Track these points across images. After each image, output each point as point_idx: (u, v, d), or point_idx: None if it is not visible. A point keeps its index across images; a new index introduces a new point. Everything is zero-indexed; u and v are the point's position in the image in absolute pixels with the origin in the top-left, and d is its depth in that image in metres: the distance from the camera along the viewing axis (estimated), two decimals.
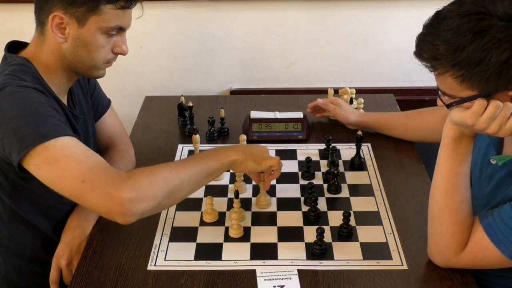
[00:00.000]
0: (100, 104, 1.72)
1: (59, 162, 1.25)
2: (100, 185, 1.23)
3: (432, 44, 1.17)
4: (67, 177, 1.25)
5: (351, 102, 1.98)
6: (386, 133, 1.85)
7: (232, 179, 1.67)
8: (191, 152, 1.80)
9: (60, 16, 1.36)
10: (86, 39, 1.39)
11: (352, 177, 1.69)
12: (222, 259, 1.39)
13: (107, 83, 1.81)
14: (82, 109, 1.60)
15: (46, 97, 1.38)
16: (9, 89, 1.32)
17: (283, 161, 1.74)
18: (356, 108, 1.99)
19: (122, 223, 1.27)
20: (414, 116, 1.80)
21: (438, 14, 1.19)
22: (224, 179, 1.68)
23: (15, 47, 1.48)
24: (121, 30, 1.44)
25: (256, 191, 1.61)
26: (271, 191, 1.61)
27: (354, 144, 1.75)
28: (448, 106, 1.23)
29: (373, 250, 1.40)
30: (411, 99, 2.32)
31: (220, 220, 1.52)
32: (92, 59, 1.42)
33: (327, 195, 1.61)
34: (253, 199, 1.59)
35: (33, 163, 1.27)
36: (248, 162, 1.44)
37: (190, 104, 1.92)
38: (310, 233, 1.45)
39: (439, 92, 1.25)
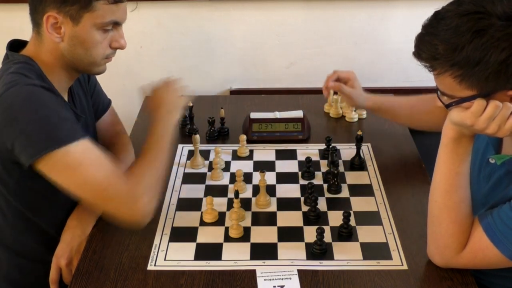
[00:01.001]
0: (101, 104, 1.72)
1: (82, 166, 1.31)
2: (119, 195, 1.33)
3: (431, 44, 1.17)
4: (89, 184, 1.32)
5: None
6: (392, 120, 1.84)
7: (232, 179, 1.67)
8: (191, 152, 1.80)
9: (54, 16, 1.36)
10: (82, 37, 1.39)
11: (352, 177, 1.69)
12: (222, 259, 1.39)
13: (107, 83, 1.81)
14: (83, 109, 1.60)
15: (55, 96, 1.39)
16: (19, 89, 1.32)
17: (283, 161, 1.76)
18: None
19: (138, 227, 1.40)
20: (420, 105, 1.77)
21: (437, 14, 1.20)
22: (224, 179, 1.68)
23: (15, 46, 1.48)
24: (116, 24, 1.43)
25: (256, 191, 1.61)
26: (271, 191, 1.61)
27: (354, 144, 1.75)
28: (448, 106, 1.23)
29: (373, 250, 1.40)
30: None
31: (220, 220, 1.52)
32: (90, 56, 1.42)
33: (327, 195, 1.61)
34: (253, 199, 1.59)
35: (51, 167, 1.31)
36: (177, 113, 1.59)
37: (190, 104, 1.92)
38: (310, 233, 1.45)
39: (438, 92, 1.25)
